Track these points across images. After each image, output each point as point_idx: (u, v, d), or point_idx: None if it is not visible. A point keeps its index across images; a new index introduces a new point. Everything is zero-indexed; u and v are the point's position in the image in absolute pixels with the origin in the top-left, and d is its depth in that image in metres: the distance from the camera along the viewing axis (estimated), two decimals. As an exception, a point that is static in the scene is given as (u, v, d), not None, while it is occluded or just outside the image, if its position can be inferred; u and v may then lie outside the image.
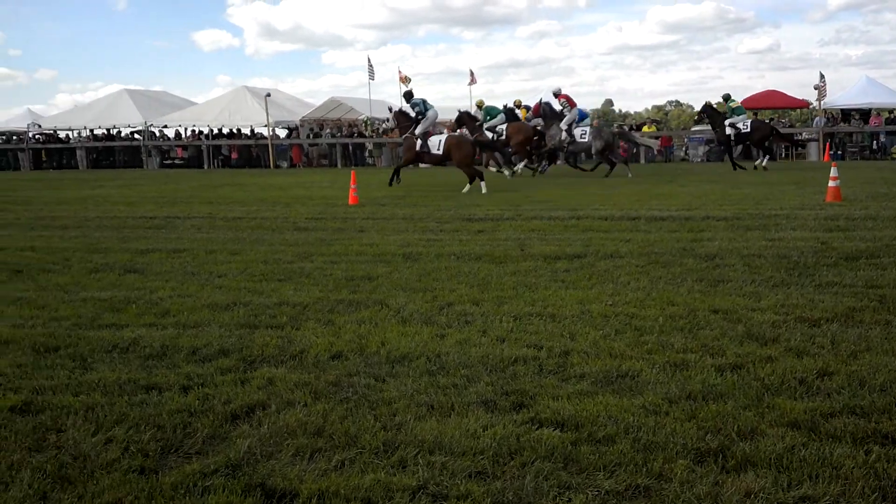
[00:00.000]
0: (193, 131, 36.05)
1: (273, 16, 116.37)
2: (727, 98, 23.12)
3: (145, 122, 34.99)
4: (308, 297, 6.29)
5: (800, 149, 28.59)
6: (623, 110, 65.52)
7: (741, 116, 22.57)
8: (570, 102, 21.87)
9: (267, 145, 32.10)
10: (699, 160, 29.44)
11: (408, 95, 18.83)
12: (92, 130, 36.95)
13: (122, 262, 8.10)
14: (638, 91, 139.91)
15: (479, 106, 22.86)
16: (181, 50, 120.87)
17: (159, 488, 3.05)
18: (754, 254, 7.71)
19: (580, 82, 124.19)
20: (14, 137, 37.92)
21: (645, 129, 31.98)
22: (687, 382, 4.10)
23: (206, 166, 32.61)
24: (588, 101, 67.09)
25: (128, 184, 21.90)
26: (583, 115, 22.35)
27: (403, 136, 18.15)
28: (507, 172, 20.23)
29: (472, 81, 34.82)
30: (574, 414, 3.67)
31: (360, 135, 32.48)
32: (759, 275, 6.73)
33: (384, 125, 20.53)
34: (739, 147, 23.79)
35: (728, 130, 22.36)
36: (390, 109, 20.12)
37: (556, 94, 22.30)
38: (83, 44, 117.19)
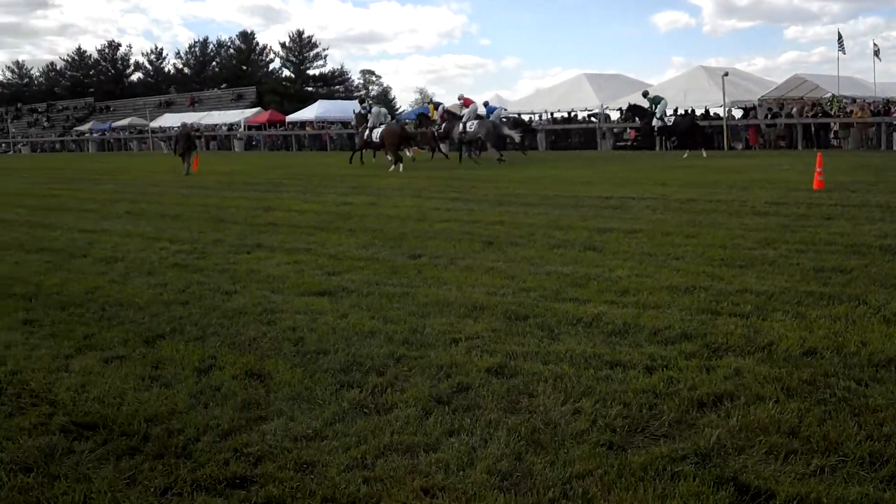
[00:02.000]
0: (647, 113, 36.31)
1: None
2: (646, 94, 27.08)
3: (601, 105, 36.07)
4: (773, 286, 5.92)
5: None
6: None
7: (662, 104, 26.06)
8: (465, 103, 27.13)
9: (721, 126, 31.06)
10: None
11: (360, 100, 29.77)
12: (552, 114, 39.17)
13: (581, 239, 8.41)
14: None
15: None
16: (638, 33, 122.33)
17: (628, 467, 3.06)
18: None
19: None
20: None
21: None
22: None
23: (657, 148, 32.62)
24: None
25: (582, 165, 22.79)
26: (490, 110, 26.69)
27: (358, 132, 26.31)
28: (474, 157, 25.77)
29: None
30: None
31: (825, 114, 29.85)
32: None
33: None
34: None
35: (655, 122, 25.84)
36: (354, 111, 28.90)
37: (460, 98, 28.68)
38: (545, 32, 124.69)
